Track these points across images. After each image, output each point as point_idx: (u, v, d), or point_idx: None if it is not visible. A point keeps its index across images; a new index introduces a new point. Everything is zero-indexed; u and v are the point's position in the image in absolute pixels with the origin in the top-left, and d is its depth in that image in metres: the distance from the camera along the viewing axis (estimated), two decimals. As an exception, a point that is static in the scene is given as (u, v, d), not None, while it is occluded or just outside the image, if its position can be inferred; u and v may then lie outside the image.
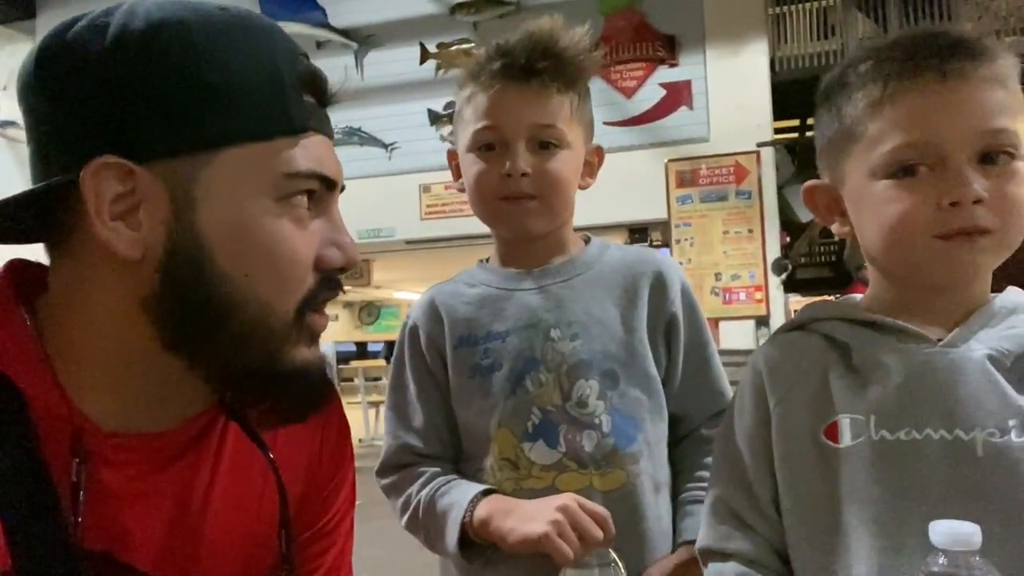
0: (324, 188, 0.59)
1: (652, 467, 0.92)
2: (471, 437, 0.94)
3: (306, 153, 0.56)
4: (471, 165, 0.95)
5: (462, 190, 0.98)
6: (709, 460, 0.92)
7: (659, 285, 0.95)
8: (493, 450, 0.91)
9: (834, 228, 0.74)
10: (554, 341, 0.91)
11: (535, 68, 0.90)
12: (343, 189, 0.62)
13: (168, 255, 0.54)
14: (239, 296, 0.54)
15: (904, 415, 0.65)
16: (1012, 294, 0.71)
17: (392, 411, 0.99)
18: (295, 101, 0.56)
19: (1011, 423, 0.61)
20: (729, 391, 0.98)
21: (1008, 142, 0.65)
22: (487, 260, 1.05)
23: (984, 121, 0.65)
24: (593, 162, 1.01)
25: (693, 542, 0.87)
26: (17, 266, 0.60)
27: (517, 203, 0.92)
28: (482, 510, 0.85)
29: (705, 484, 0.90)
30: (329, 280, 0.59)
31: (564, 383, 0.90)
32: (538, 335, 0.91)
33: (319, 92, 0.60)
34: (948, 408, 0.63)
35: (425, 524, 0.91)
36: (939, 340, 0.68)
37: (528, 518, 0.81)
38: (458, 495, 0.89)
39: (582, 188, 0.99)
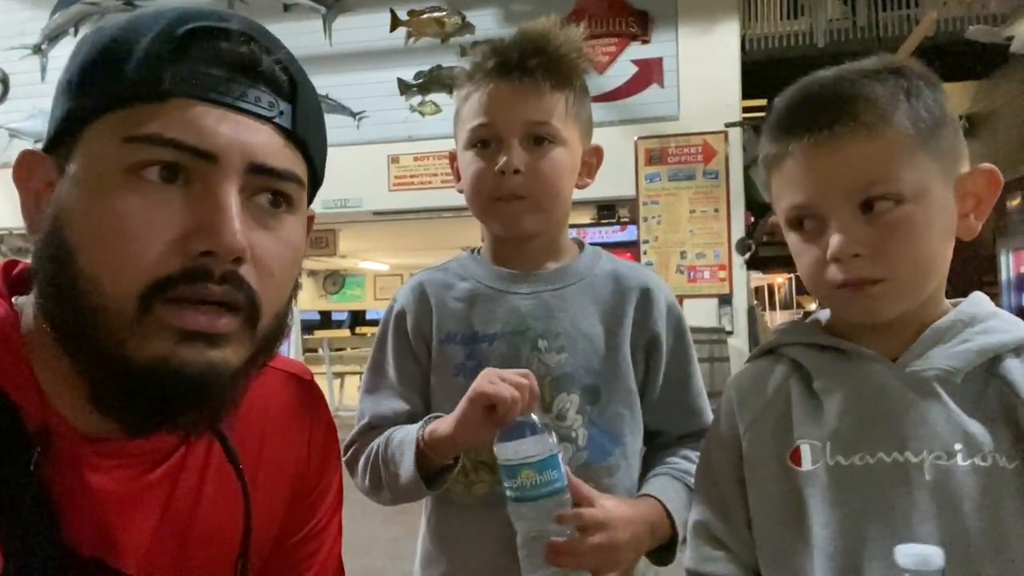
0: (194, 159, 0.51)
1: (629, 480, 0.94)
2: None
3: (164, 119, 0.51)
4: (468, 164, 0.95)
5: (462, 191, 0.98)
6: (678, 458, 0.95)
7: (644, 303, 0.96)
8: (469, 451, 0.91)
9: None
10: (540, 352, 0.91)
11: (527, 66, 0.91)
12: (262, 170, 0.54)
13: (42, 237, 0.54)
14: (74, 270, 0.51)
15: (857, 440, 0.67)
16: (970, 304, 0.70)
17: (368, 394, 0.99)
18: (154, 69, 0.51)
19: (957, 447, 0.62)
20: (708, 411, 0.99)
21: (881, 192, 0.65)
22: (477, 251, 1.03)
23: (854, 178, 0.66)
24: (591, 162, 1.01)
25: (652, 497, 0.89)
26: (9, 267, 0.59)
27: (509, 203, 0.92)
28: (430, 426, 0.86)
29: (676, 466, 0.93)
30: (195, 271, 0.50)
31: (546, 395, 0.90)
32: (525, 343, 0.92)
33: (223, 62, 0.53)
34: (898, 431, 0.65)
35: (384, 465, 0.91)
36: (895, 360, 0.69)
37: (456, 409, 0.82)
38: (411, 428, 0.89)
39: (580, 187, 0.99)
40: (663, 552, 0.89)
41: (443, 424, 0.84)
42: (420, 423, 0.88)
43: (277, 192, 0.56)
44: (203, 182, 0.52)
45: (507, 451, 0.76)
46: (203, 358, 0.51)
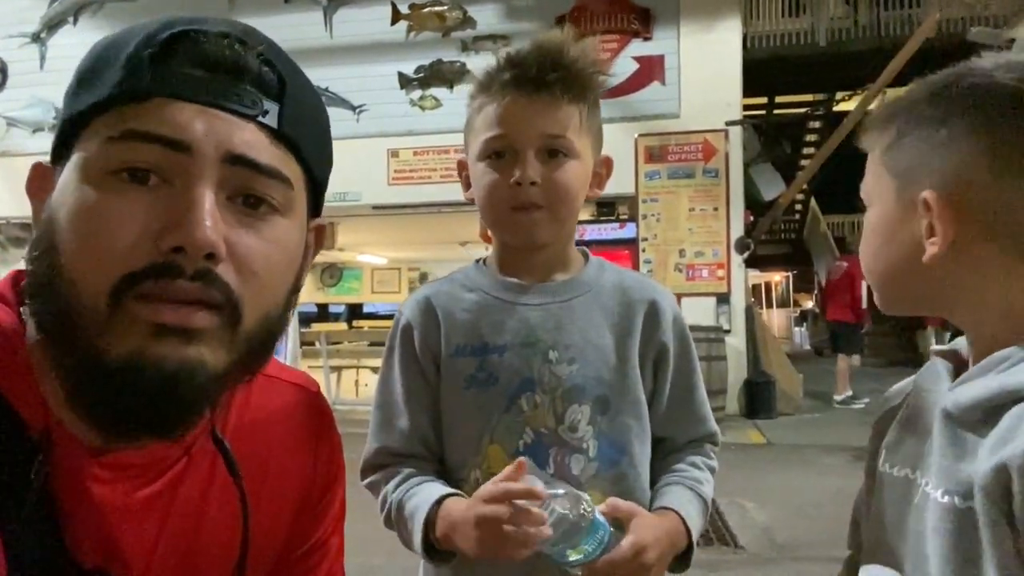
0: (170, 152, 0.51)
1: (639, 488, 0.95)
2: (459, 447, 0.95)
3: (142, 117, 0.51)
4: (482, 175, 0.95)
5: (472, 200, 0.98)
6: (686, 466, 0.97)
7: (653, 315, 0.97)
8: (482, 464, 0.91)
9: None
10: (551, 363, 0.92)
11: (545, 80, 0.92)
12: (241, 162, 0.53)
13: (32, 241, 0.54)
14: (55, 269, 0.51)
15: (898, 454, 0.71)
16: None
17: (378, 409, 0.99)
18: (136, 71, 0.52)
19: (933, 478, 0.64)
20: (711, 417, 1.00)
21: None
22: (483, 261, 1.03)
23: None
24: (601, 173, 1.01)
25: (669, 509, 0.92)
26: (20, 277, 0.58)
27: (526, 213, 0.93)
28: (440, 526, 0.87)
29: (687, 474, 0.95)
30: (164, 267, 0.50)
31: (558, 407, 0.91)
32: (536, 355, 0.92)
33: (205, 63, 0.53)
34: (918, 452, 0.68)
35: (397, 525, 0.93)
36: None
37: (466, 538, 0.83)
38: (421, 500, 0.90)
39: (590, 199, 1.00)
40: (678, 561, 0.92)
41: (460, 539, 0.85)
42: (431, 503, 0.88)
43: (261, 194, 0.54)
44: (181, 180, 0.51)
45: (553, 555, 0.79)
46: (177, 354, 0.50)
